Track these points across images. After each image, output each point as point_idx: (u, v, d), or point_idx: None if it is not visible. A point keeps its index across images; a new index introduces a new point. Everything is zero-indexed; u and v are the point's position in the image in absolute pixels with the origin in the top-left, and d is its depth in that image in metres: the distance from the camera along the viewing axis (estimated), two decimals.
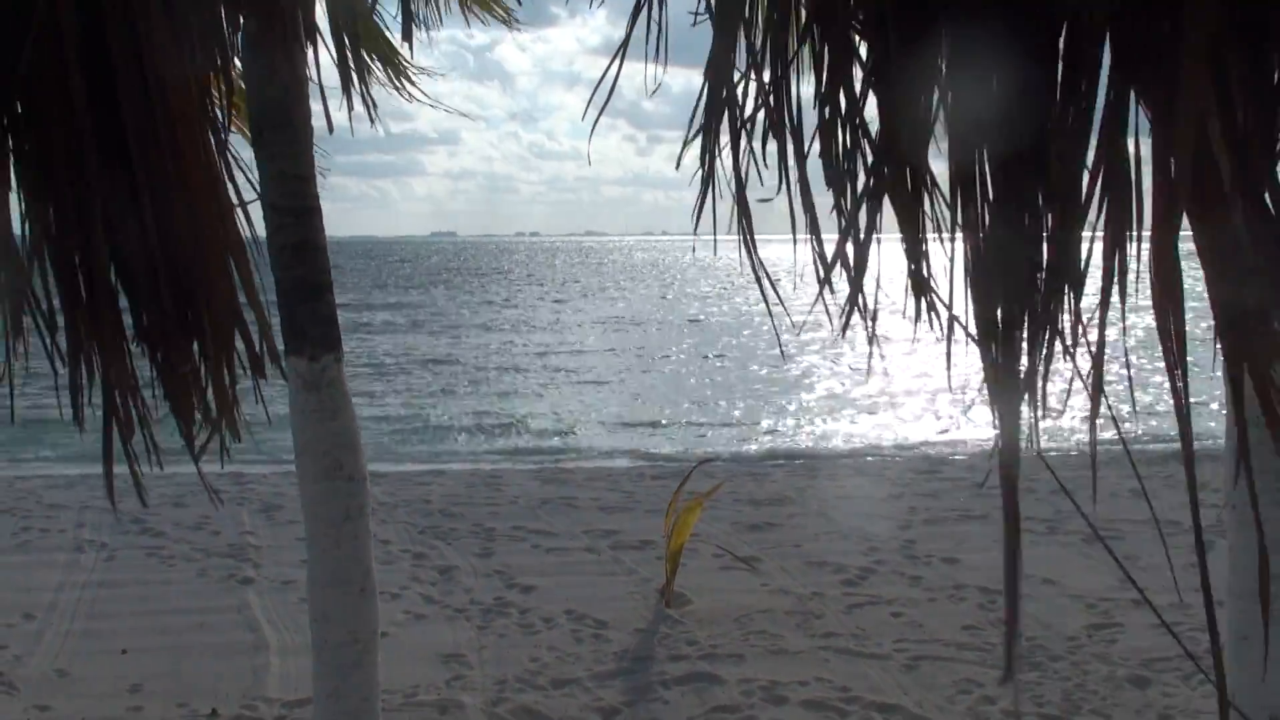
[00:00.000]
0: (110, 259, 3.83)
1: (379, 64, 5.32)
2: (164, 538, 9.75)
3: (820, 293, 3.03)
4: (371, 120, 4.07)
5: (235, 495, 11.51)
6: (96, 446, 4.03)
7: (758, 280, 3.05)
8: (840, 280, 3.01)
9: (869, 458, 16.07)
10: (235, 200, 4.03)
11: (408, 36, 3.96)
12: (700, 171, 3.04)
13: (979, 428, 18.80)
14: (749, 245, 3.07)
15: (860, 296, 3.01)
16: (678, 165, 3.06)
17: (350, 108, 3.88)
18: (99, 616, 7.78)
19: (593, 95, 3.04)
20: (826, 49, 2.95)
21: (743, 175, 3.01)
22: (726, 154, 3.05)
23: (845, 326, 3.03)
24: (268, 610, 7.84)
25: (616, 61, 3.04)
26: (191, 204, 3.77)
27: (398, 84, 5.38)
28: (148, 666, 6.78)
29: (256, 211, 4.13)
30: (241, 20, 3.93)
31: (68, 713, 6.17)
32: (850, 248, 2.96)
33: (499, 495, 11.76)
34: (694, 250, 2.98)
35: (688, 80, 3.11)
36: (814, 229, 3.00)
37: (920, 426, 19.48)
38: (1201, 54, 2.48)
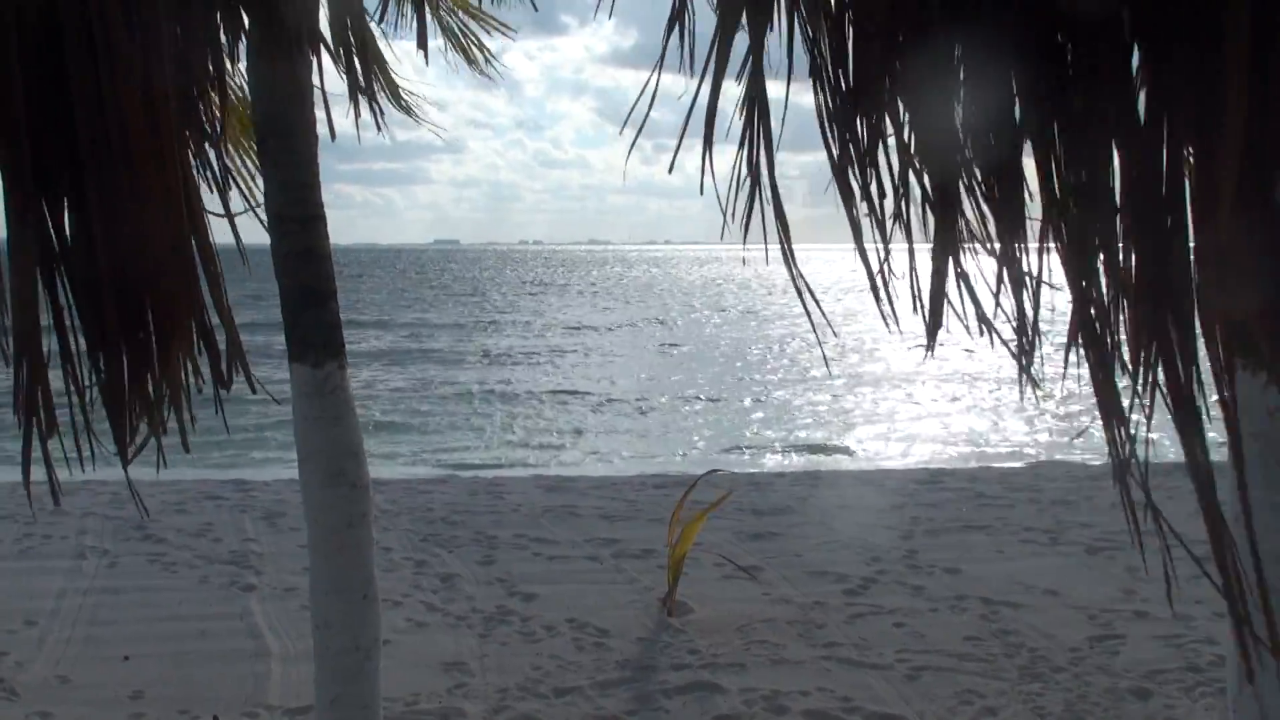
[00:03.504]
0: (59, 262, 3.82)
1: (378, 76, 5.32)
2: (166, 544, 9.74)
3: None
4: (379, 127, 4.07)
5: (238, 502, 11.51)
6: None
7: (798, 291, 3.04)
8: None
9: (870, 468, 16.08)
10: (224, 210, 4.02)
11: (422, 45, 3.95)
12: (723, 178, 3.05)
13: (979, 439, 18.82)
14: (788, 256, 3.07)
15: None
16: (700, 173, 3.06)
17: (357, 115, 3.88)
18: (101, 623, 7.78)
19: (630, 113, 3.03)
20: (853, 64, 2.98)
21: (778, 184, 3.03)
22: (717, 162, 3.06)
23: (931, 344, 3.03)
24: (269, 617, 7.84)
25: (653, 78, 3.04)
26: (144, 211, 3.73)
27: (393, 101, 5.38)
28: (149, 673, 6.78)
29: (244, 221, 4.12)
30: (245, 29, 3.94)
31: (69, 719, 6.17)
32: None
33: (501, 503, 11.75)
34: (744, 262, 2.97)
35: (699, 90, 3.12)
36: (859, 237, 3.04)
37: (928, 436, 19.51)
38: (1243, 73, 2.51)
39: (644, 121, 3.04)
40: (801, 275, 3.05)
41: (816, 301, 3.06)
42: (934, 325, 3.05)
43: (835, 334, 3.27)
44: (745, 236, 3.04)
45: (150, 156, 3.65)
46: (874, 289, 3.03)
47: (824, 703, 6.32)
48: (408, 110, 5.32)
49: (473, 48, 5.39)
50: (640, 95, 3.04)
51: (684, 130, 3.02)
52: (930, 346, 3.08)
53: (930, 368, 25.07)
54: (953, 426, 20.40)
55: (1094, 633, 7.39)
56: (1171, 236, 2.79)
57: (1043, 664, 6.85)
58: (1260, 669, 3.15)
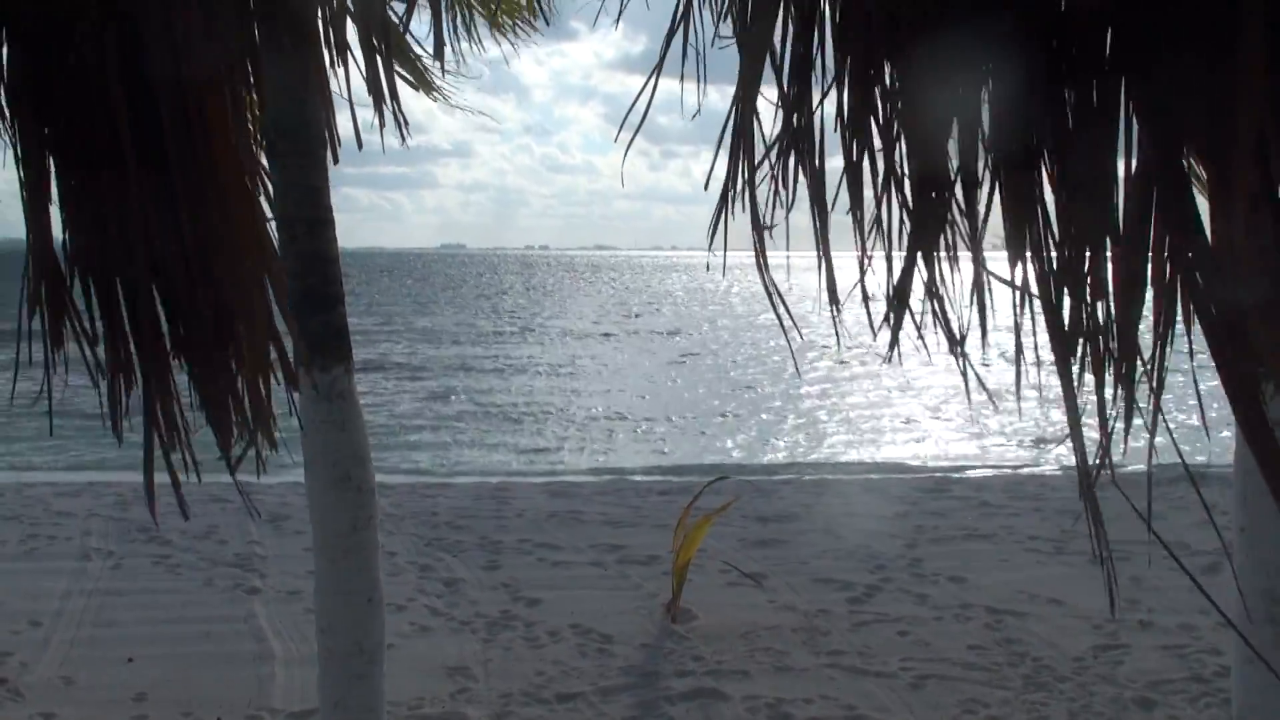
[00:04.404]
0: (150, 270, 3.86)
1: (403, 73, 5.33)
2: (171, 546, 9.75)
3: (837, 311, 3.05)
4: (403, 138, 4.08)
5: (243, 505, 11.48)
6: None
7: (770, 299, 3.07)
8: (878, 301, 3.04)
9: (875, 475, 16.06)
10: (271, 214, 4.06)
11: (439, 55, 3.96)
12: (729, 190, 3.07)
13: (984, 447, 18.80)
14: (761, 264, 3.09)
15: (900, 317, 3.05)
16: (706, 185, 3.09)
17: (382, 124, 3.89)
18: (105, 624, 7.79)
19: (626, 117, 3.05)
20: (849, 73, 2.98)
21: (759, 197, 3.04)
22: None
23: (892, 350, 3.05)
24: (274, 620, 7.84)
25: (650, 84, 3.05)
26: (227, 216, 3.79)
27: (422, 91, 5.40)
28: (153, 675, 6.79)
29: None
30: (268, 33, 3.96)
31: None
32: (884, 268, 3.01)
33: (506, 508, 11.75)
34: (707, 268, 3.00)
35: (705, 96, 3.09)
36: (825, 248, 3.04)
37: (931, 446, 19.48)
38: (1259, 71, 2.53)
39: (640, 123, 3.06)
40: (773, 281, 3.08)
41: (786, 307, 3.10)
42: (896, 329, 3.07)
43: (801, 338, 3.30)
44: (710, 244, 3.08)
45: (227, 158, 3.70)
46: (832, 297, 3.05)
47: (828, 711, 6.32)
48: (443, 97, 5.33)
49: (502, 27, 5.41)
50: (637, 98, 3.05)
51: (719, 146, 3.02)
52: (891, 351, 3.10)
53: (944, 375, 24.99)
54: (960, 435, 20.37)
55: (1098, 642, 7.38)
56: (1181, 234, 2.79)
57: (1047, 673, 6.84)
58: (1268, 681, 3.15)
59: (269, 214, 4.11)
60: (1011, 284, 2.99)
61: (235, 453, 4.19)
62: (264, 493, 12.17)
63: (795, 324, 3.09)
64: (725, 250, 3.08)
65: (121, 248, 3.79)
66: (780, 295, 3.09)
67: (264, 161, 4.17)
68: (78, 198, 3.81)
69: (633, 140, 3.10)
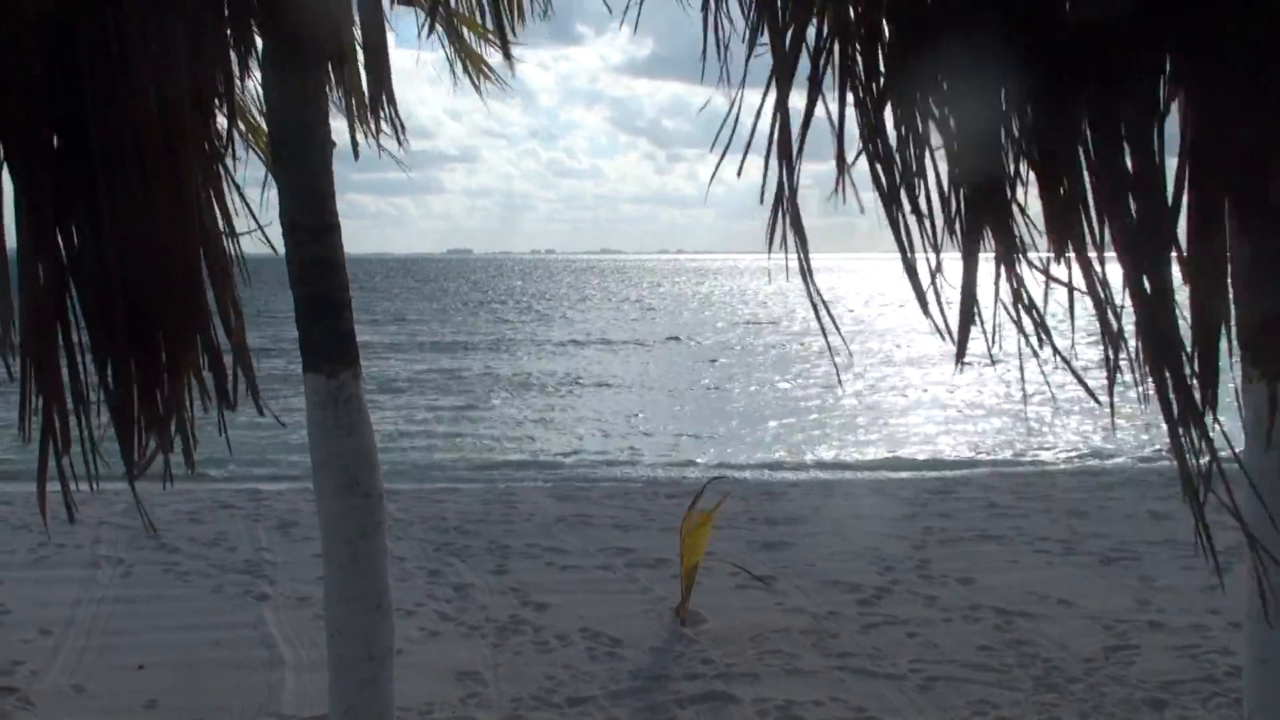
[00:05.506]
0: (72, 273, 3.82)
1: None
2: (180, 554, 9.76)
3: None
4: (399, 143, 4.07)
5: (251, 511, 11.53)
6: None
7: (813, 305, 3.05)
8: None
9: (884, 475, 16.04)
10: (225, 225, 4.02)
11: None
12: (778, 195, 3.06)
13: (991, 448, 18.76)
14: (805, 270, 3.07)
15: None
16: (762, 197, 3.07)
17: (378, 131, 3.88)
18: (115, 632, 7.79)
19: (717, 134, 3.05)
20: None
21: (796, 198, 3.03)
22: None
23: (961, 355, 3.04)
24: (283, 626, 7.85)
25: (735, 97, 3.06)
26: (156, 225, 3.73)
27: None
28: (163, 682, 6.79)
29: (250, 238, 4.14)
30: (261, 42, 3.96)
31: None
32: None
33: (514, 513, 11.75)
34: (769, 278, 2.97)
35: (711, 99, 3.12)
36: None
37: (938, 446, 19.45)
38: None
39: (730, 142, 3.03)
40: (818, 290, 3.05)
41: (833, 318, 3.07)
42: (964, 330, 3.05)
43: (849, 350, 3.27)
44: (770, 249, 3.04)
45: (163, 169, 3.66)
46: (921, 302, 3.03)
47: (838, 713, 6.31)
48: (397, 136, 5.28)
49: (480, 70, 5.32)
50: (731, 115, 3.03)
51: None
52: (960, 355, 3.07)
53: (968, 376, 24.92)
54: (971, 436, 20.33)
55: (1109, 643, 7.36)
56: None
57: (1057, 675, 6.82)
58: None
59: (225, 225, 4.07)
60: (1054, 279, 2.98)
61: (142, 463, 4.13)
62: (273, 499, 12.20)
63: (841, 334, 3.06)
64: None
65: (44, 250, 3.75)
66: (826, 304, 3.06)
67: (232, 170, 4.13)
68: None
69: (721, 161, 3.08)
